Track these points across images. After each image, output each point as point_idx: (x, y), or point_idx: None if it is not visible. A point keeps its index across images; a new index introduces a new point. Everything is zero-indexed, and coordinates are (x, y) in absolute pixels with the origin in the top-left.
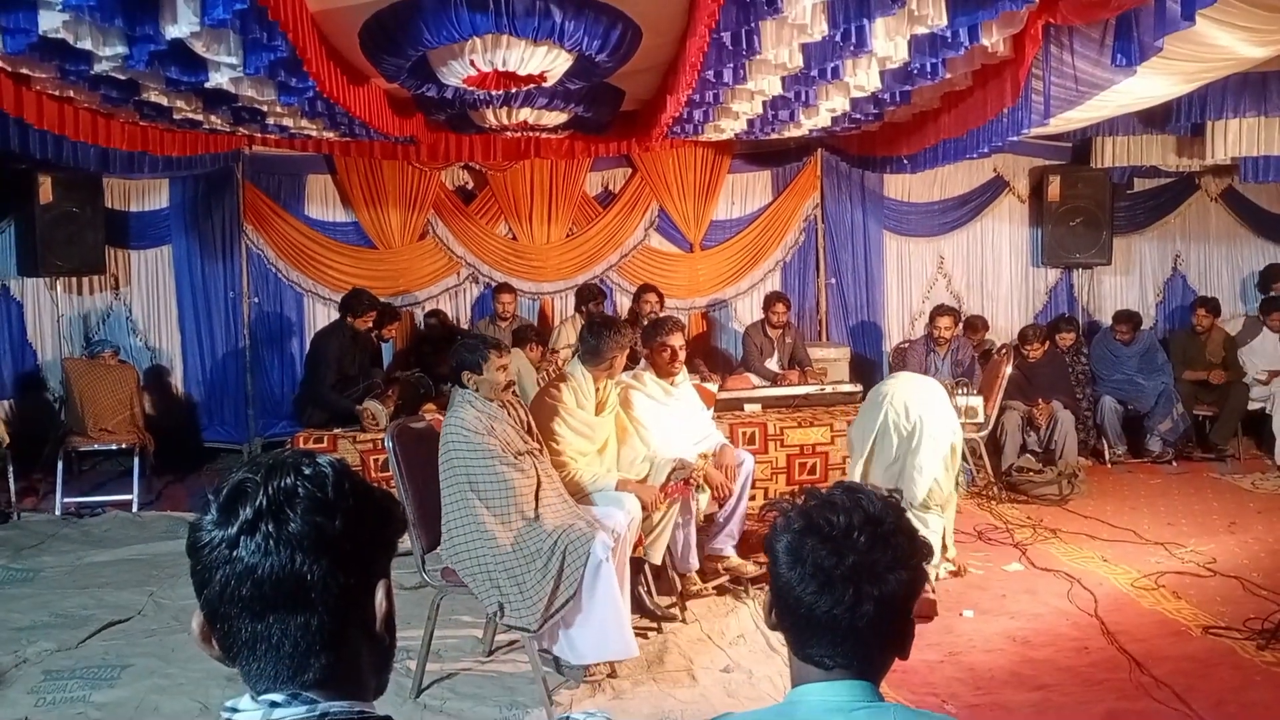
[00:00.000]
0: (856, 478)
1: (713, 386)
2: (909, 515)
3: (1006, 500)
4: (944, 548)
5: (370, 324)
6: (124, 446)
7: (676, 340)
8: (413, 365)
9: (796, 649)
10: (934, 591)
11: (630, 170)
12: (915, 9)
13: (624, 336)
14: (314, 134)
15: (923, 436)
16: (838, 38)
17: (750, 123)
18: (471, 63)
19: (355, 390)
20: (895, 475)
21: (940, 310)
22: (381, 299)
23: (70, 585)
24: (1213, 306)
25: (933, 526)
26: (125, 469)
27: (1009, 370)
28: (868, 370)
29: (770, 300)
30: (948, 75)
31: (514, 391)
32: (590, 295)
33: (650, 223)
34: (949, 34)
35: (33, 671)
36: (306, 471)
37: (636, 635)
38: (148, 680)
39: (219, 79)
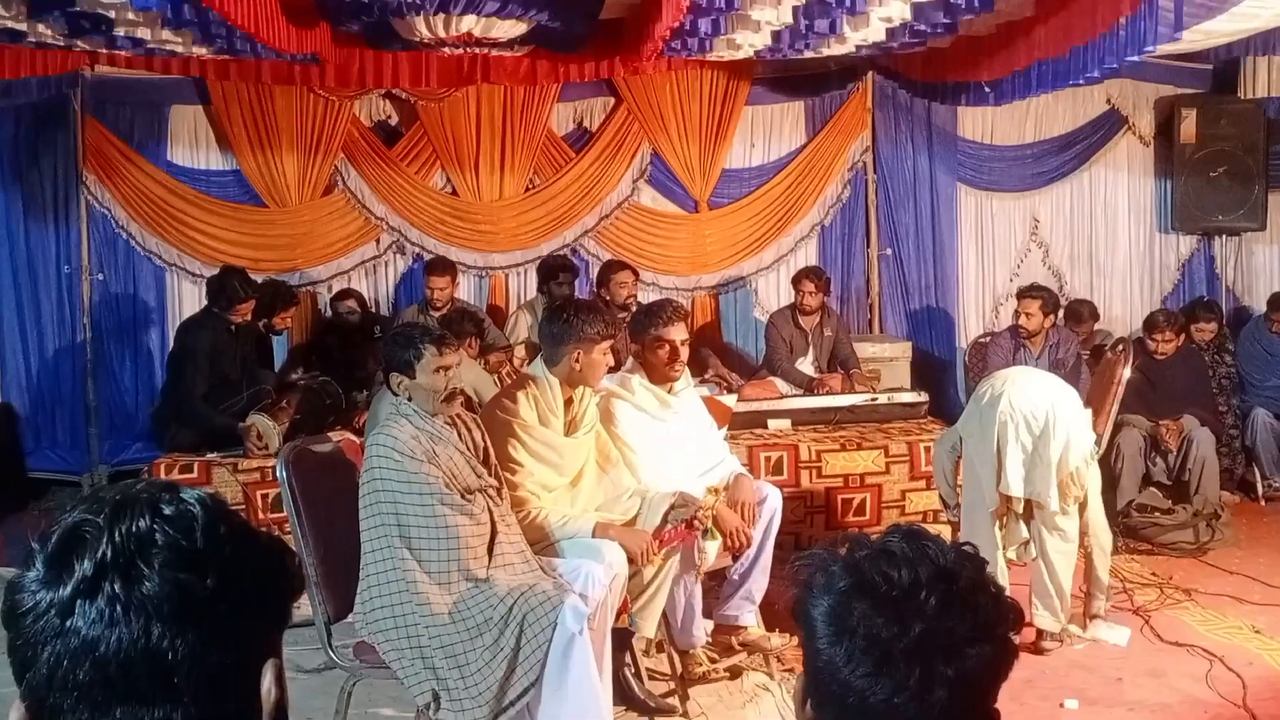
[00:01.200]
0: (992, 500)
1: (730, 400)
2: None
3: (1124, 550)
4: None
5: (248, 316)
6: None
7: (677, 333)
8: (315, 366)
9: None
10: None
11: (613, 101)
12: None
13: (595, 325)
14: (180, 50)
15: (1056, 425)
16: None
17: (776, 36)
18: None
19: (236, 401)
20: (1043, 479)
21: (1027, 292)
22: (272, 276)
23: None
24: None
25: (1069, 536)
26: None
27: (1127, 373)
28: (935, 374)
29: (802, 279)
30: None
31: (473, 403)
32: (556, 270)
33: (640, 172)
34: None
35: None
36: (167, 511)
37: None
38: None
39: None
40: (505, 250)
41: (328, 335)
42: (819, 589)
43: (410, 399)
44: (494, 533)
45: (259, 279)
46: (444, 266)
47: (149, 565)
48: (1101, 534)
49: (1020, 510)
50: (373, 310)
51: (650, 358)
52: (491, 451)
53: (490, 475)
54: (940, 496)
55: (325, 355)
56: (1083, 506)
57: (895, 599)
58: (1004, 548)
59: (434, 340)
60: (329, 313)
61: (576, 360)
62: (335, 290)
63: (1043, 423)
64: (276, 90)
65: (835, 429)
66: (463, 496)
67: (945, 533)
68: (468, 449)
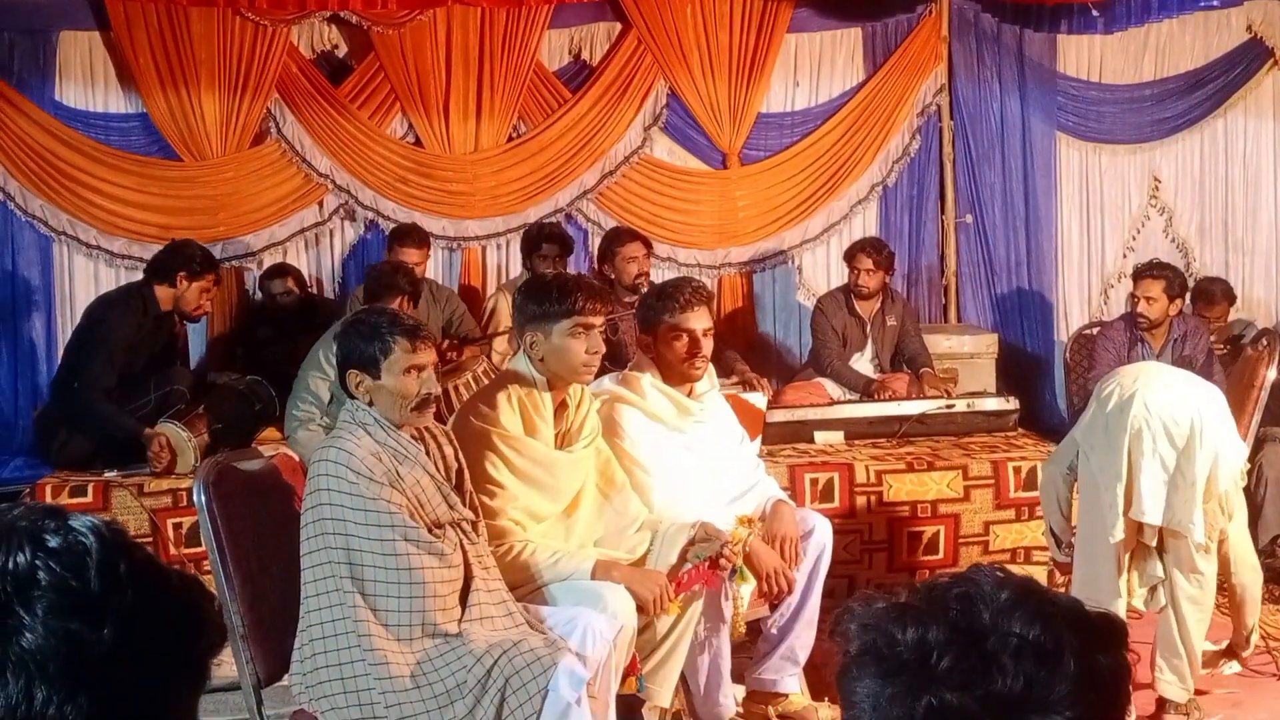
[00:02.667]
0: (1118, 525)
1: (760, 399)
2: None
3: (1268, 597)
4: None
5: (209, 296)
6: None
7: (699, 320)
8: (242, 363)
9: None
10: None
11: (619, 27)
12: None
13: (558, 300)
14: None
15: (1202, 435)
16: None
17: None
18: None
19: (143, 403)
20: (1185, 504)
21: (1148, 271)
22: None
23: None
24: None
25: (1206, 582)
26: None
27: (1273, 374)
28: (1028, 374)
29: (857, 253)
30: None
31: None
32: (540, 240)
33: (653, 118)
34: None
35: None
36: (52, 544)
37: None
38: None
39: None
40: (482, 216)
41: (259, 324)
42: (862, 659)
43: (373, 403)
44: (468, 577)
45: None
46: (418, 237)
47: (30, 612)
48: (1246, 573)
49: (1153, 543)
50: (313, 290)
51: (665, 352)
52: (466, 475)
53: (465, 504)
54: (1050, 532)
55: (255, 349)
56: (1221, 541)
57: (905, 664)
58: (1131, 592)
59: (406, 332)
60: (259, 296)
61: (532, 346)
62: (267, 266)
63: (1186, 432)
64: (193, 12)
65: (901, 444)
66: (430, 531)
67: (1040, 575)
68: (438, 470)
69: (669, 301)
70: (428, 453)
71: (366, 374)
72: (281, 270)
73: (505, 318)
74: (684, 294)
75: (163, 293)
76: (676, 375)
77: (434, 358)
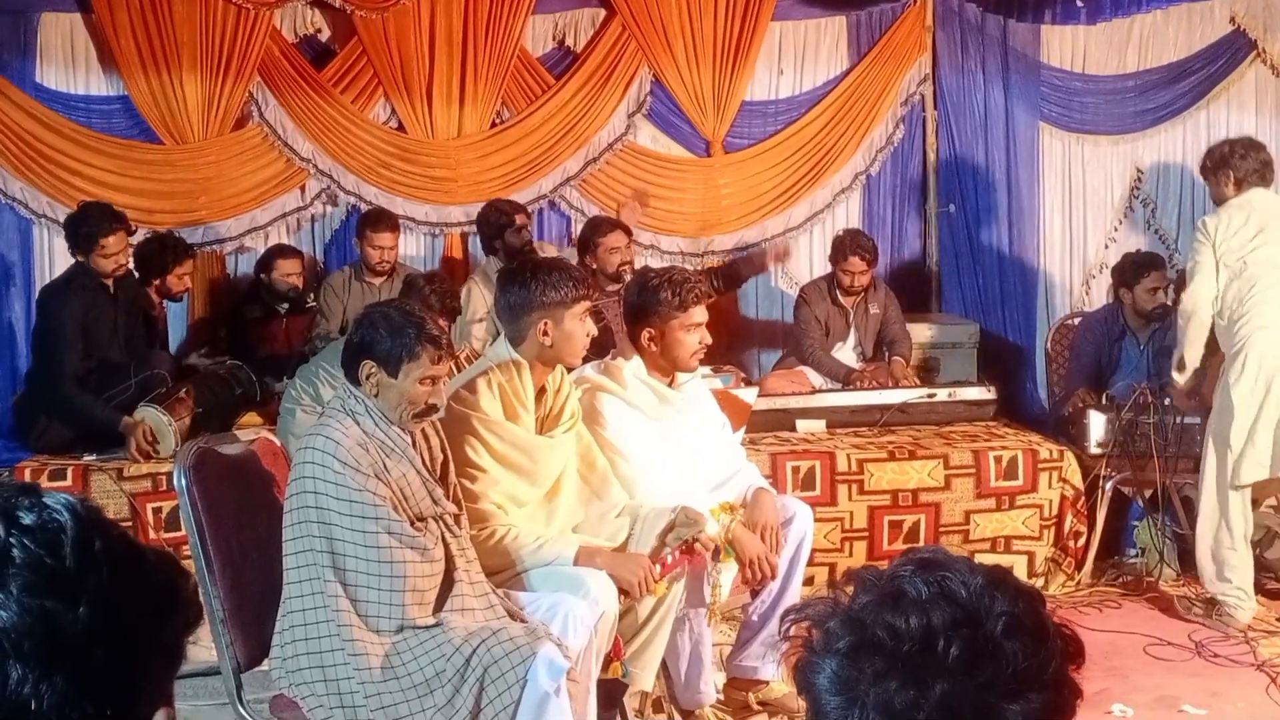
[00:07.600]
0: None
1: (751, 395)
2: None
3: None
4: None
5: (122, 260)
6: None
7: (704, 314)
8: (224, 346)
9: None
10: None
11: (603, 13)
12: None
13: (562, 286)
14: None
15: None
16: None
17: None
18: None
19: (124, 389)
20: None
21: (1135, 265)
22: (169, 231)
23: None
24: None
25: None
26: None
27: None
28: (1008, 364)
29: (844, 246)
30: None
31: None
32: (508, 216)
33: (637, 105)
34: None
35: None
36: (27, 521)
37: None
38: None
39: None
40: (464, 202)
41: (239, 306)
42: (821, 649)
43: (376, 394)
44: (450, 570)
45: (146, 233)
46: (389, 221)
47: (4, 589)
48: None
49: None
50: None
51: (672, 345)
52: (452, 467)
53: (449, 497)
54: None
55: (237, 332)
56: None
57: (910, 655)
58: None
59: (435, 341)
60: (263, 275)
61: (545, 333)
62: (247, 248)
63: None
64: None
65: (882, 432)
66: (413, 525)
67: (1020, 564)
68: (425, 464)
69: (678, 298)
70: (414, 445)
71: (383, 369)
72: (282, 251)
73: (480, 304)
74: (695, 289)
75: (96, 262)
76: (666, 365)
77: (447, 371)
